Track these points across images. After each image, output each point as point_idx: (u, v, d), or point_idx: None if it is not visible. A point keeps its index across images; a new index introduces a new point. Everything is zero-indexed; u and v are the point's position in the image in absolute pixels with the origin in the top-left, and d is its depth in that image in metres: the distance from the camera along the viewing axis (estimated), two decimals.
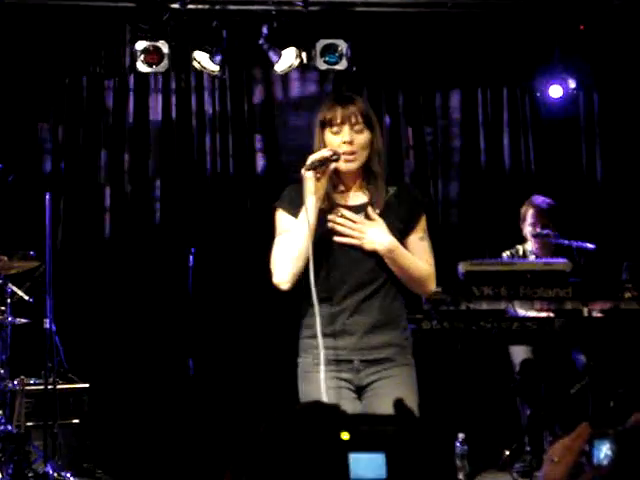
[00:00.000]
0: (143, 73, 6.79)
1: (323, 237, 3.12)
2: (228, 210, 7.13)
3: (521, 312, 5.12)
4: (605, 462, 1.69)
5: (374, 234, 3.09)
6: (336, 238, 3.12)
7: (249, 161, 7.20)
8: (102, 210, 6.98)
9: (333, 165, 3.11)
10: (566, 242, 5.69)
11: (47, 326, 5.48)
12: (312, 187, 3.08)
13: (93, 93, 6.99)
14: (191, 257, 6.33)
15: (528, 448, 5.78)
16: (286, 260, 3.09)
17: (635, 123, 7.38)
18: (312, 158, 3.10)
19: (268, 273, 3.21)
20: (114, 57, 6.93)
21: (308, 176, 3.08)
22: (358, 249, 3.12)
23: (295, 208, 3.16)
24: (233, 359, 6.89)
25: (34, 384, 5.71)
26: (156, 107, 7.12)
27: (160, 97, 7.12)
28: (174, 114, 7.12)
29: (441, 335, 4.97)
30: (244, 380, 6.87)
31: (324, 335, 3.12)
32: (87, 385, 6.01)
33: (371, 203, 3.16)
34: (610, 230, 7.08)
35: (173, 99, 7.12)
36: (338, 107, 3.15)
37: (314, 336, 3.14)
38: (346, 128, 3.13)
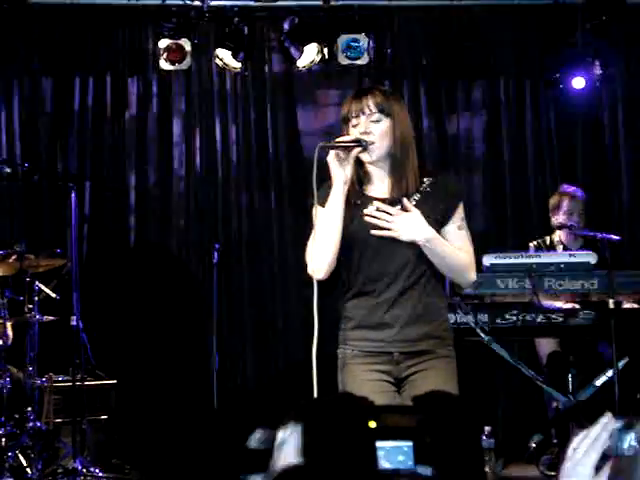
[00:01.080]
0: (166, 70, 6.82)
1: (361, 231, 3.13)
2: (252, 204, 7.13)
3: (547, 303, 5.11)
4: (629, 453, 1.68)
5: (411, 225, 3.09)
6: (373, 231, 3.12)
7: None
8: (127, 209, 7.02)
9: (356, 150, 3.12)
10: (591, 234, 5.66)
11: (74, 323, 5.52)
12: (338, 171, 3.09)
13: (117, 91, 7.03)
14: (215, 253, 6.35)
15: (555, 441, 5.76)
16: (317, 248, 3.09)
17: None
18: (336, 143, 3.13)
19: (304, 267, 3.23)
20: (137, 55, 6.97)
21: (329, 159, 3.09)
22: (396, 241, 3.11)
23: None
24: (256, 354, 6.93)
25: (62, 381, 5.76)
26: (180, 105, 7.15)
27: (183, 94, 7.14)
28: (197, 111, 7.14)
29: (466, 328, 5.00)
30: (264, 375, 6.90)
31: (364, 327, 3.14)
32: (114, 381, 6.06)
33: (406, 194, 3.16)
34: (635, 222, 7.05)
35: (195, 96, 7.14)
36: (353, 101, 3.18)
37: (354, 328, 3.16)
38: (363, 119, 3.14)
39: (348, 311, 3.20)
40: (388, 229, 3.10)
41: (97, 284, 6.61)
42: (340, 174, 3.10)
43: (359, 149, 3.12)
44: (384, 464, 1.88)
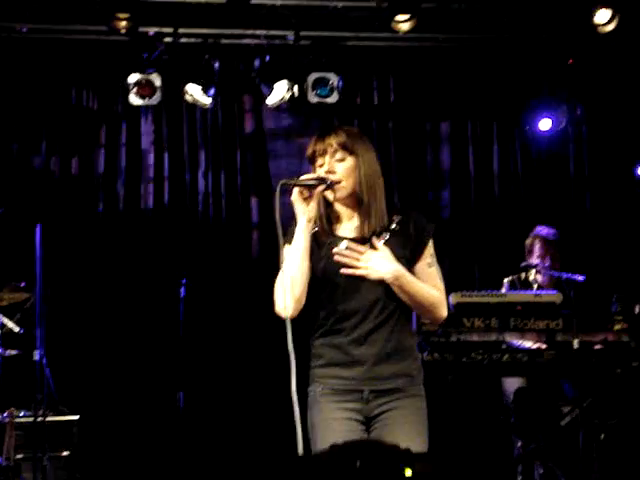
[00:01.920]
0: (135, 106, 6.82)
1: (330, 270, 3.14)
2: (220, 239, 7.14)
3: (515, 343, 5.14)
4: None
5: (379, 263, 3.10)
6: (342, 270, 3.13)
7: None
8: (96, 240, 6.99)
9: (320, 188, 3.13)
10: (556, 274, 5.71)
11: (37, 357, 5.47)
12: (301, 208, 3.11)
13: (86, 125, 7.02)
14: (182, 288, 6.33)
15: (520, 478, 5.76)
16: (284, 288, 3.09)
17: (624, 156, 7.44)
18: (300, 180, 3.14)
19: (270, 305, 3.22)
20: (107, 89, 6.98)
21: (293, 198, 3.11)
22: (366, 280, 3.12)
23: None
24: (223, 393, 6.87)
25: (24, 416, 5.68)
26: (149, 139, 7.16)
27: (152, 129, 7.16)
28: (166, 145, 7.16)
29: (432, 366, 5.00)
30: (234, 413, 6.85)
31: (334, 365, 3.14)
32: (77, 417, 5.98)
33: (375, 233, 3.17)
34: (599, 262, 7.12)
35: (165, 131, 7.16)
36: (316, 141, 3.21)
37: (324, 365, 3.16)
38: (327, 158, 3.16)
39: (318, 349, 3.20)
40: (357, 267, 3.11)
41: (61, 318, 6.55)
42: (304, 212, 3.11)
43: (322, 187, 3.14)
44: None
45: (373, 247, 3.14)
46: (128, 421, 6.67)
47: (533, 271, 5.94)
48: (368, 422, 3.14)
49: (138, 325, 6.83)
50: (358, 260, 3.11)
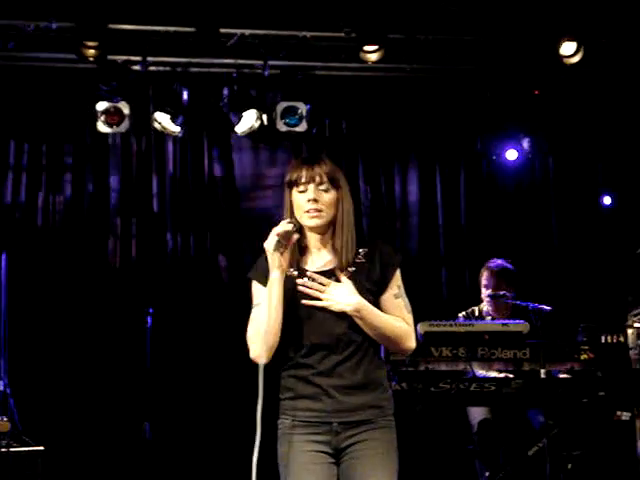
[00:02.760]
0: (103, 133, 6.80)
1: (296, 302, 3.13)
2: (188, 270, 7.12)
3: (481, 373, 5.15)
4: None
5: (340, 295, 3.10)
6: (304, 301, 3.13)
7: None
8: (62, 268, 6.94)
9: (296, 236, 3.14)
10: (522, 304, 5.74)
11: (0, 388, 5.40)
12: (276, 260, 3.10)
13: (53, 153, 7.00)
14: (149, 318, 6.29)
15: None
16: (261, 335, 3.07)
17: (589, 186, 7.53)
18: (276, 232, 3.10)
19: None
20: (74, 117, 6.96)
21: (270, 248, 3.08)
22: (332, 313, 3.11)
23: (267, 279, 3.15)
24: (189, 423, 6.82)
25: None
26: (116, 167, 7.15)
27: (119, 157, 7.15)
28: (134, 173, 7.14)
29: (401, 396, 4.99)
30: (200, 444, 6.79)
31: (303, 397, 3.12)
32: (42, 448, 5.90)
33: (340, 266, 3.17)
34: (566, 292, 7.17)
35: (134, 159, 7.15)
36: (304, 167, 3.18)
37: (293, 398, 3.14)
38: (311, 187, 3.15)
39: (287, 381, 3.17)
40: (319, 299, 3.11)
41: (25, 347, 6.48)
42: (279, 264, 3.10)
43: (297, 235, 3.15)
44: None
45: (337, 280, 3.14)
46: (94, 452, 6.59)
47: (485, 303, 5.98)
48: (338, 454, 3.12)
49: (104, 355, 6.77)
50: (321, 292, 3.11)
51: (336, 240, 3.18)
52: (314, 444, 3.08)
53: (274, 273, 3.10)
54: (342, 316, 3.12)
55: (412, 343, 3.23)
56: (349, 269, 3.18)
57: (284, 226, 3.12)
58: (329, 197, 3.17)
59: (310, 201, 3.14)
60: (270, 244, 3.10)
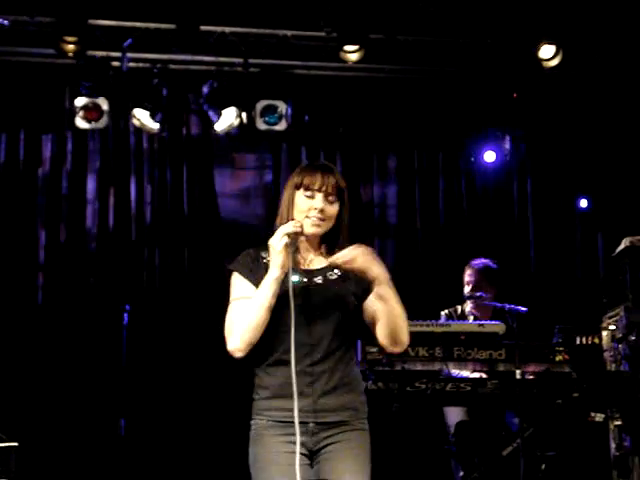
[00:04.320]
0: (82, 129, 6.78)
1: (281, 300, 3.11)
2: (166, 266, 7.10)
3: (455, 372, 5.17)
4: None
5: (375, 261, 3.08)
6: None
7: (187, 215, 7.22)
8: (36, 266, 6.91)
9: (302, 238, 3.13)
10: (499, 305, 5.76)
11: None
12: (280, 259, 3.04)
13: (30, 148, 6.96)
14: (125, 315, 6.27)
15: None
16: (244, 329, 3.05)
17: (566, 188, 7.57)
18: (285, 232, 3.05)
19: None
20: (53, 112, 6.93)
21: (278, 246, 3.04)
22: (317, 312, 3.09)
23: (253, 275, 3.14)
24: (165, 420, 6.81)
25: None
26: (94, 163, 7.12)
27: (98, 153, 7.12)
28: (112, 170, 7.12)
29: (377, 395, 5.01)
30: (175, 441, 6.78)
31: (280, 397, 3.08)
32: (15, 444, 5.86)
33: (324, 270, 3.15)
34: (542, 293, 7.21)
35: (112, 155, 7.12)
36: (318, 174, 3.16)
37: (269, 397, 3.11)
38: (320, 196, 3.13)
39: (263, 380, 3.14)
40: (354, 260, 3.04)
41: (1, 342, 6.45)
42: (282, 264, 3.05)
43: (303, 238, 3.15)
44: None
45: (325, 279, 3.13)
46: (69, 448, 6.56)
47: (468, 302, 6.00)
48: (312, 455, 3.10)
49: (80, 351, 6.74)
50: (354, 254, 3.04)
51: (332, 249, 3.15)
52: (290, 445, 3.03)
53: (275, 271, 3.06)
54: (329, 316, 3.11)
55: (408, 337, 3.22)
56: (335, 272, 3.16)
57: (293, 227, 3.08)
58: (333, 210, 3.16)
59: (316, 209, 3.12)
60: (278, 242, 3.05)
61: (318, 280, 3.15)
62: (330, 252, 3.16)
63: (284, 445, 3.05)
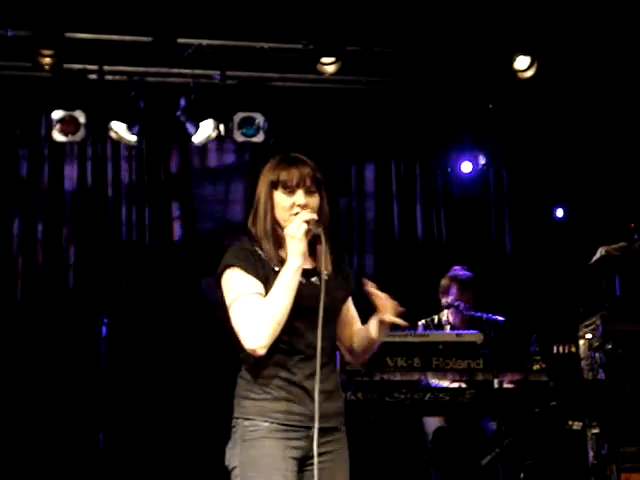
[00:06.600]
0: (58, 142, 6.76)
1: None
2: (143, 279, 7.08)
3: (434, 382, 5.19)
4: None
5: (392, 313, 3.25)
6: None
7: (165, 230, 7.21)
8: (14, 277, 6.88)
9: (320, 230, 2.98)
10: (477, 314, 5.79)
11: None
12: (300, 247, 2.92)
13: (6, 162, 6.94)
14: (104, 327, 6.24)
15: None
16: (268, 324, 2.89)
17: (542, 198, 7.62)
18: (305, 219, 2.93)
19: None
20: (30, 126, 6.91)
21: (299, 234, 2.92)
22: (325, 315, 2.92)
23: (255, 268, 2.97)
24: (143, 434, 6.78)
25: None
26: (72, 176, 7.10)
27: (76, 166, 7.11)
28: (90, 183, 7.10)
29: (356, 406, 5.01)
30: (154, 455, 6.76)
31: (285, 400, 2.95)
32: None
33: (319, 267, 3.04)
34: (519, 303, 7.25)
35: (89, 168, 7.11)
36: (294, 168, 3.02)
37: (274, 399, 2.95)
38: (300, 191, 3.00)
39: (262, 381, 2.98)
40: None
41: None
42: (302, 252, 2.95)
43: (320, 229, 3.00)
44: None
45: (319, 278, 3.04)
46: (47, 461, 6.52)
47: (445, 312, 6.03)
48: (303, 461, 2.95)
49: (58, 364, 6.71)
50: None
51: (316, 243, 3.06)
52: (291, 450, 2.93)
53: (297, 260, 2.93)
54: (332, 320, 3.06)
55: None
56: (325, 273, 3.06)
57: (311, 215, 2.98)
58: (315, 201, 3.03)
59: (299, 206, 2.99)
60: (299, 230, 2.94)
61: (314, 280, 3.03)
62: (312, 246, 3.03)
63: (287, 450, 2.92)
